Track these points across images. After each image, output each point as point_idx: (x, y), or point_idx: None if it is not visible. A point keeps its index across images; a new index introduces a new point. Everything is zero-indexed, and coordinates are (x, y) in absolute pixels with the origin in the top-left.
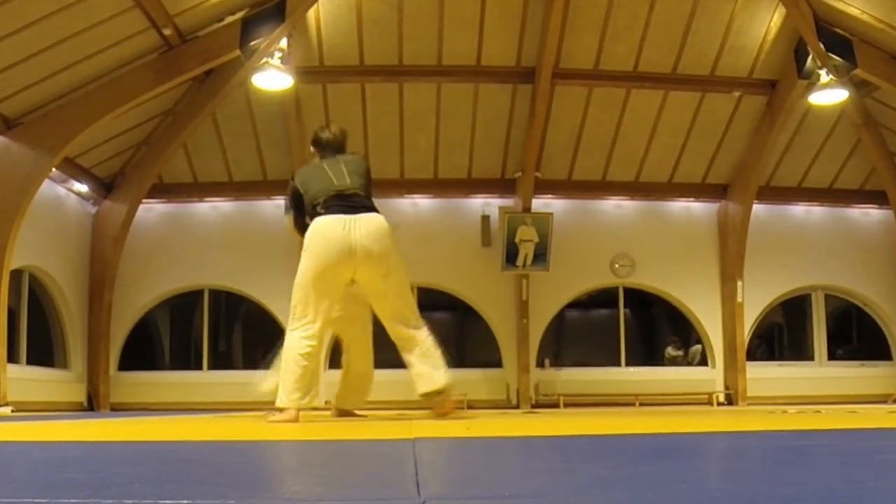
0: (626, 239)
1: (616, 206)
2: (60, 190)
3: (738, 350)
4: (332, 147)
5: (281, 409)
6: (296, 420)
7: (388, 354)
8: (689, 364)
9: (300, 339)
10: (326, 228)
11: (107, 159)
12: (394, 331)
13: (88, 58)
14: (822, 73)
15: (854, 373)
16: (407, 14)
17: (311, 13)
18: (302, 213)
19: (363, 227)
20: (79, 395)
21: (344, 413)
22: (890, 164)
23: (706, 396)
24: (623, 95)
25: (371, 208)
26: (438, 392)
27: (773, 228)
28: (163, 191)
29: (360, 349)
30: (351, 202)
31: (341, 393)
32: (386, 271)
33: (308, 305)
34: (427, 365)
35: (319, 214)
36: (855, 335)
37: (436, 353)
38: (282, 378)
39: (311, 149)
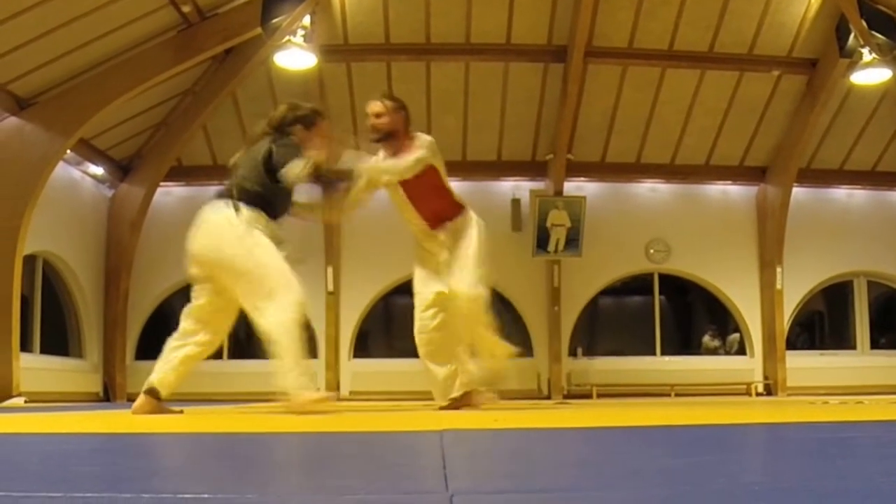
0: (661, 223)
1: (651, 190)
2: (75, 173)
3: (777, 339)
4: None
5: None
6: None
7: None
8: (727, 353)
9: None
10: None
11: (123, 141)
12: None
13: (104, 35)
14: (865, 51)
15: None
16: None
17: None
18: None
19: (196, 225)
20: (94, 385)
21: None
22: None
23: (744, 387)
24: (658, 75)
25: (229, 197)
26: (283, 393)
27: (813, 212)
28: (181, 173)
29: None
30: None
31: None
32: (215, 267)
33: None
34: (276, 365)
35: None
36: None
37: (281, 354)
38: None
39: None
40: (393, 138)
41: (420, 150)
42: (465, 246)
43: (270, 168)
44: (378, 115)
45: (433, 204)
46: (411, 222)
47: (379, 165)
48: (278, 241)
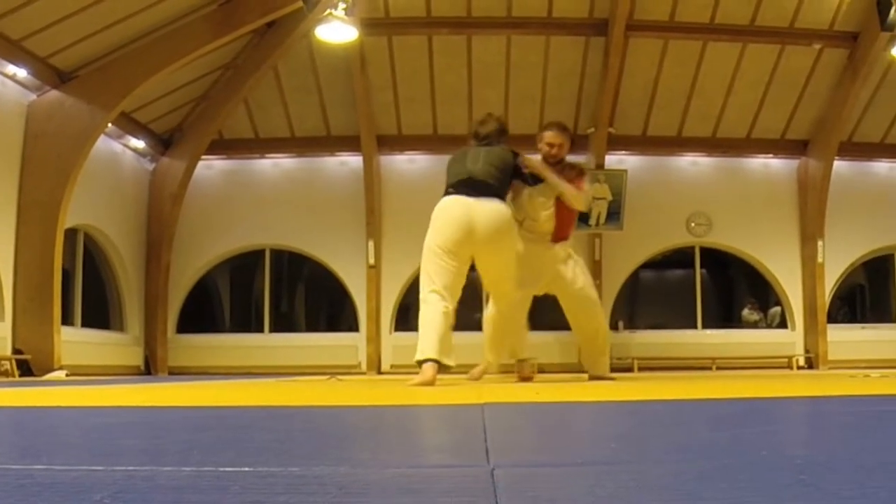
0: (702, 197)
1: (692, 163)
2: (116, 146)
3: (818, 312)
4: (480, 139)
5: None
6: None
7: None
8: (769, 326)
9: (435, 301)
10: (450, 207)
11: (165, 114)
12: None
13: (146, 9)
14: None
15: None
16: None
17: None
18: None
19: (484, 211)
20: (135, 358)
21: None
22: None
23: (786, 360)
24: (699, 48)
25: (496, 195)
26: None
27: (855, 186)
28: (223, 147)
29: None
30: (476, 187)
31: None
32: (499, 253)
33: (433, 274)
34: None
35: (449, 194)
36: None
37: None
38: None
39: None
40: (560, 162)
41: (588, 190)
42: (580, 273)
43: (512, 175)
44: (555, 146)
45: (566, 224)
46: (537, 227)
47: (569, 190)
48: None
